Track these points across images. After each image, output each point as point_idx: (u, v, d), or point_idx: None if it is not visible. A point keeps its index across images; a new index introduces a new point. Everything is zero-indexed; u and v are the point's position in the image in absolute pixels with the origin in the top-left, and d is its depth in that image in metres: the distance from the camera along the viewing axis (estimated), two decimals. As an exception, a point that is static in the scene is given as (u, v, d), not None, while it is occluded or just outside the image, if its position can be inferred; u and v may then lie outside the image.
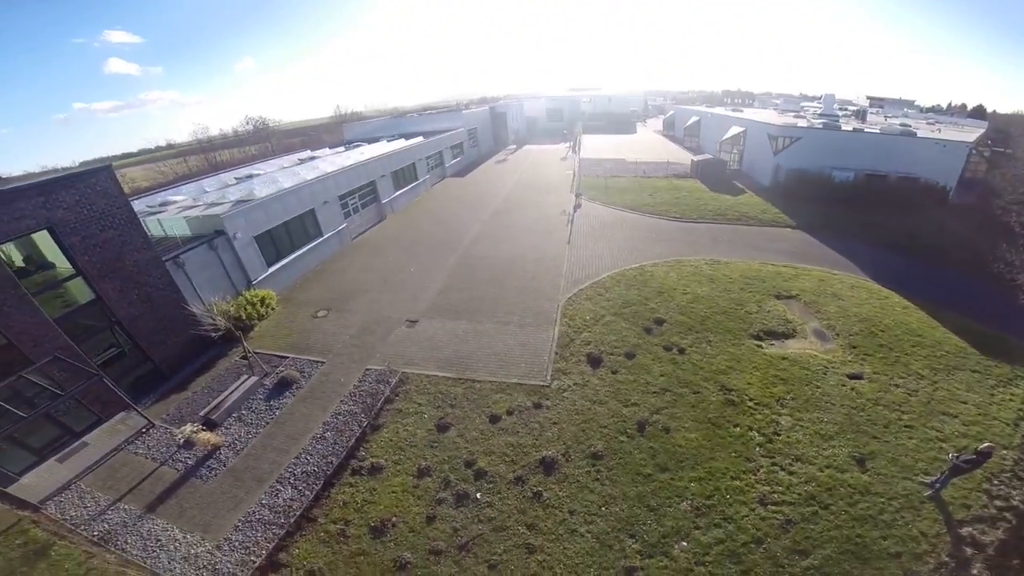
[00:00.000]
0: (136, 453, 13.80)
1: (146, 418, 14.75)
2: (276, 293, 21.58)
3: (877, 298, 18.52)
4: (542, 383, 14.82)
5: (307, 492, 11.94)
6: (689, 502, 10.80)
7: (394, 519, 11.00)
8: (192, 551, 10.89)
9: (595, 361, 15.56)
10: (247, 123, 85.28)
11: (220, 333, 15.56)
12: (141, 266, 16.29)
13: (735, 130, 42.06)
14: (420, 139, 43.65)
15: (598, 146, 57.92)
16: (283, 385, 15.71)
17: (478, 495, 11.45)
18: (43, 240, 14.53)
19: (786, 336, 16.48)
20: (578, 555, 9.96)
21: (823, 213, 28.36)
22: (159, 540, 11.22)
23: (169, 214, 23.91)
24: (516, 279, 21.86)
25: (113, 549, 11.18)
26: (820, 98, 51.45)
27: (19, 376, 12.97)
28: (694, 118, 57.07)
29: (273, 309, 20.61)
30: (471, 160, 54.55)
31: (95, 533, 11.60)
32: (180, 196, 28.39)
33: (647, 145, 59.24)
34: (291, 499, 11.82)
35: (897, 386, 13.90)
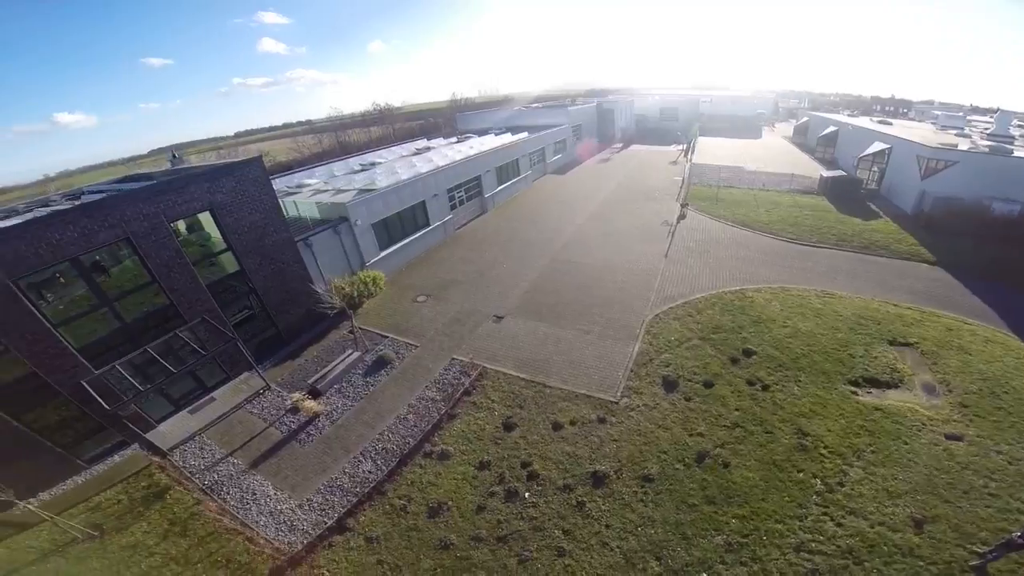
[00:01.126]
0: (251, 412, 16.36)
1: (265, 381, 17.37)
2: (385, 275, 23.79)
3: (1014, 356, 15.94)
4: (611, 399, 15.05)
5: (384, 467, 13.47)
6: (724, 537, 10.77)
7: (449, 503, 12.19)
8: (278, 507, 12.79)
9: (670, 385, 15.41)
10: (374, 108, 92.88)
11: (335, 311, 17.71)
12: (278, 245, 18.98)
13: (878, 146, 37.45)
14: (525, 135, 44.59)
15: (715, 151, 54.73)
16: (380, 363, 17.58)
17: (526, 495, 12.23)
18: (204, 218, 17.45)
19: (888, 386, 14.99)
20: (603, 567, 10.42)
21: (973, 250, 24.58)
22: (254, 494, 13.27)
23: (303, 197, 27.25)
24: (605, 289, 21.95)
25: (216, 498, 13.39)
26: (993, 112, 43.85)
27: (174, 333, 15.93)
28: (831, 128, 51.51)
29: (381, 289, 22.82)
30: (572, 158, 54.42)
31: (206, 482, 13.96)
32: (313, 179, 32.15)
33: (772, 153, 54.75)
34: (369, 471, 13.43)
35: (1000, 452, 12.30)
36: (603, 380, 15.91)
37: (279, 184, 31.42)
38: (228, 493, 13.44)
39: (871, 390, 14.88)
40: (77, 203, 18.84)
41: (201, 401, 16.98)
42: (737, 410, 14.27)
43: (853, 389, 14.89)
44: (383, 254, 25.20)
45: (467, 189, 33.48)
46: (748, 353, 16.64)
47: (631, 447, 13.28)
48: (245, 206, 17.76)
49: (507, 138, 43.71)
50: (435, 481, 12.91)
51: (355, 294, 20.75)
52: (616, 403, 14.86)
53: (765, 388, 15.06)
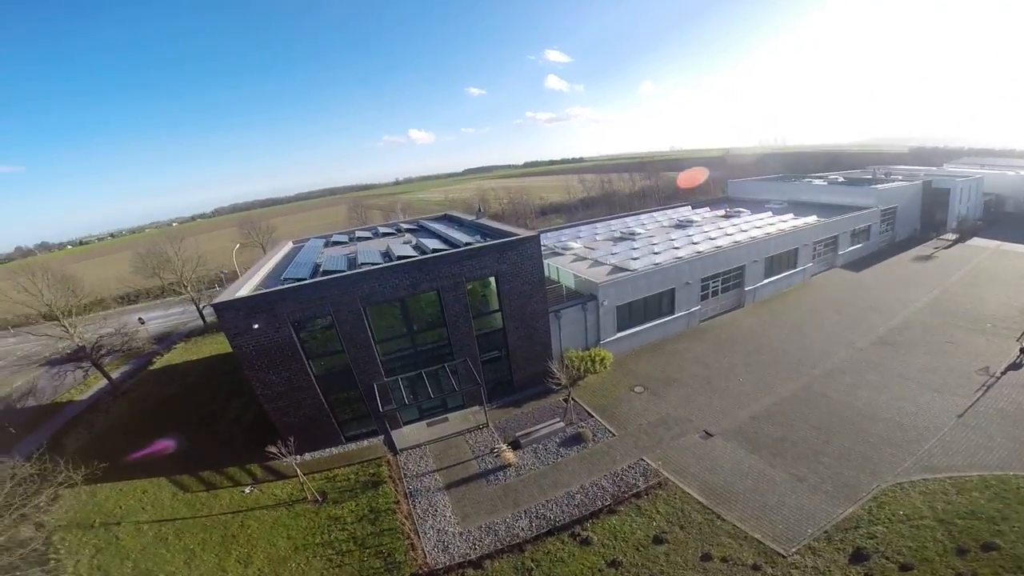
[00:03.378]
0: (467, 441, 20.57)
1: (487, 420, 21.74)
2: (613, 355, 25.20)
3: None
4: (781, 551, 13.85)
5: (534, 530, 15.52)
6: None
7: None
8: (446, 528, 16.10)
9: (859, 557, 13.32)
10: (638, 160, 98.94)
11: (560, 386, 20.38)
12: (535, 313, 23.24)
13: None
14: (813, 219, 38.01)
15: None
16: (576, 439, 19.84)
17: None
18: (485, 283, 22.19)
19: None
20: None
21: None
22: (435, 510, 16.87)
23: (565, 262, 31.40)
24: (850, 438, 18.41)
25: (409, 502, 17.16)
26: None
27: (442, 365, 21.51)
28: None
29: (606, 369, 24.32)
30: (877, 249, 43.24)
31: (410, 487, 18.03)
32: (576, 243, 36.23)
33: None
34: (522, 529, 15.73)
35: None
36: (786, 531, 14.56)
37: (548, 240, 36.15)
38: (418, 501, 17.44)
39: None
40: (411, 238, 26.79)
41: (437, 419, 22.42)
42: (915, 600, 11.60)
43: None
44: (618, 335, 26.78)
45: (724, 279, 31.27)
46: (988, 548, 12.98)
47: (767, 605, 12.21)
48: (520, 277, 22.27)
49: (788, 220, 38.26)
50: (566, 559, 14.45)
51: (581, 369, 23.26)
52: (784, 557, 13.67)
53: (972, 584, 11.75)
